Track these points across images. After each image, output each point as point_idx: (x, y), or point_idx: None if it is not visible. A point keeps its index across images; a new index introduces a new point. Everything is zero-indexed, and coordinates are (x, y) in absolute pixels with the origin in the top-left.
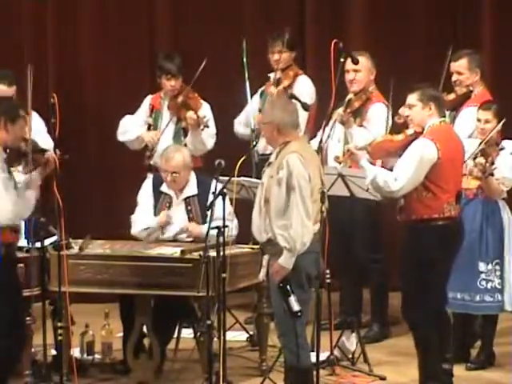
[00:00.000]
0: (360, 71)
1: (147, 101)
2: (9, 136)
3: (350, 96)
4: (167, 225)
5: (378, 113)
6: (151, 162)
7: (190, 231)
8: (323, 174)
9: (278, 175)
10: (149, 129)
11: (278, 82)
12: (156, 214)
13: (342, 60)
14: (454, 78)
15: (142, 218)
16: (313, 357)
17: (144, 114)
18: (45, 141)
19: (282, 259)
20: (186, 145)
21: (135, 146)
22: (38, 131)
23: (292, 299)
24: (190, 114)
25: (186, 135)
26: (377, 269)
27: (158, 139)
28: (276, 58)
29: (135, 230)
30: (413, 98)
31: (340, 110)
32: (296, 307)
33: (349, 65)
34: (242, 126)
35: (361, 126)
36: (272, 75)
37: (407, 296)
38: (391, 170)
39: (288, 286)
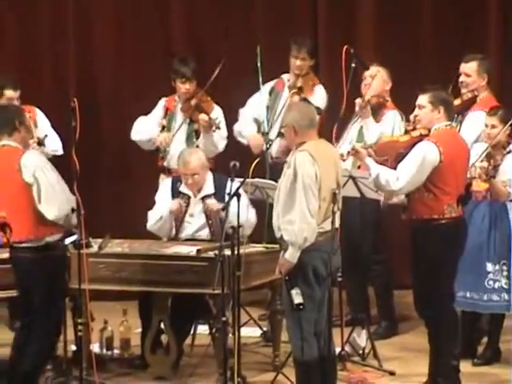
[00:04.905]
0: (376, 78)
1: (162, 103)
2: (28, 134)
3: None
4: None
5: (392, 119)
6: (164, 164)
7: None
8: (340, 176)
9: (287, 172)
10: (162, 130)
11: (298, 88)
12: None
13: (353, 65)
14: (462, 78)
15: (157, 211)
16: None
17: (158, 116)
18: (53, 138)
19: (286, 253)
20: (197, 146)
21: (147, 147)
22: (45, 127)
23: (293, 292)
24: (203, 116)
25: (198, 137)
26: (379, 270)
27: (171, 141)
28: (298, 63)
29: (150, 223)
30: (423, 99)
31: (358, 100)
32: (297, 300)
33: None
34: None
35: None
36: (286, 76)
37: (418, 294)
38: (395, 168)
39: (292, 280)
